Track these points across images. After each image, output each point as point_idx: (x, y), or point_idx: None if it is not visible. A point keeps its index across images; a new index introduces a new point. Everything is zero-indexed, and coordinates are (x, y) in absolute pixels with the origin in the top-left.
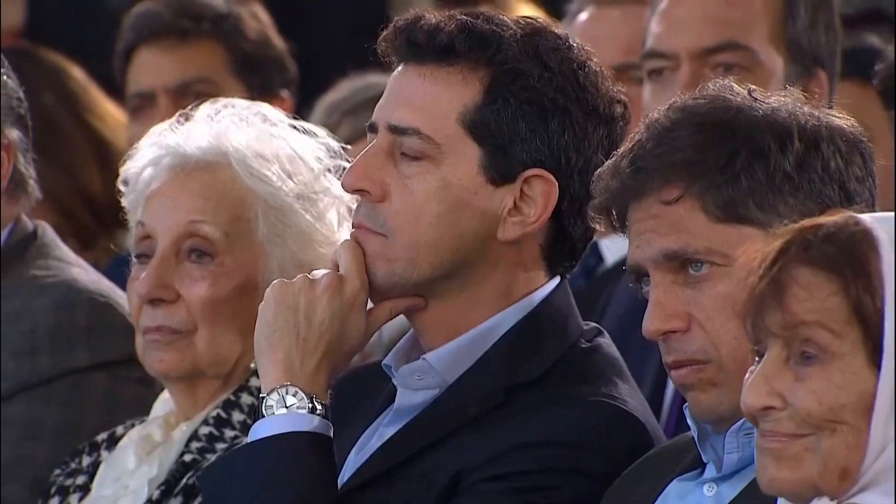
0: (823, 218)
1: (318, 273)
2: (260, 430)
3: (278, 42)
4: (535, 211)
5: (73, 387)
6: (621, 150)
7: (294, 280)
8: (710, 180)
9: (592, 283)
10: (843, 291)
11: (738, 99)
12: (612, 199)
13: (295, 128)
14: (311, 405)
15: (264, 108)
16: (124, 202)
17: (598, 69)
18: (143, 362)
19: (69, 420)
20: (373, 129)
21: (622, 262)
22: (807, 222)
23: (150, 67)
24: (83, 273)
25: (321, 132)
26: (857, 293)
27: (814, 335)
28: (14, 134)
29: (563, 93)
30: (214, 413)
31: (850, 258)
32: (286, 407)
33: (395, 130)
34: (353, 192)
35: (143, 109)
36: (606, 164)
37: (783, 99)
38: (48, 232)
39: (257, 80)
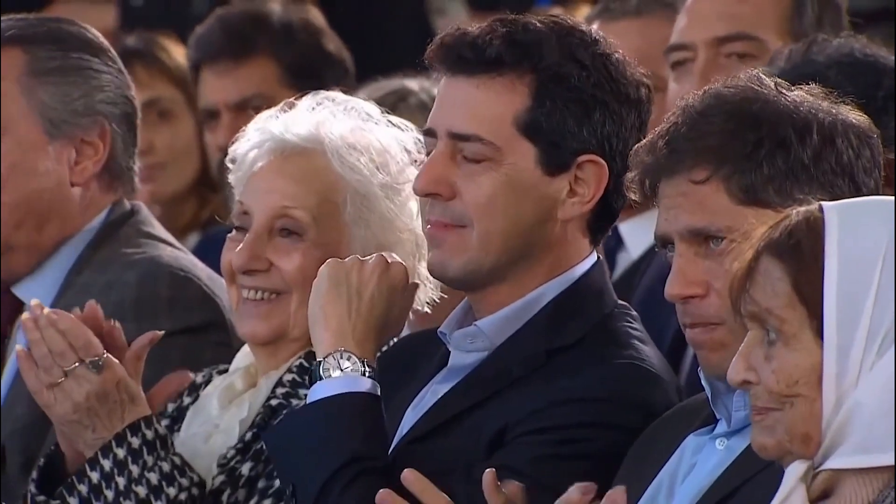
0: (795, 208)
1: (368, 257)
2: (318, 392)
3: (330, 42)
4: (590, 191)
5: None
6: (658, 129)
7: (346, 260)
8: (736, 166)
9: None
10: (786, 276)
11: (766, 91)
12: (647, 174)
13: (389, 121)
14: (363, 369)
15: (360, 102)
16: (231, 179)
17: (622, 57)
18: (236, 328)
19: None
20: (431, 134)
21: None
22: (782, 214)
23: (212, 86)
24: (168, 249)
25: (410, 125)
26: (795, 275)
27: (769, 320)
28: (115, 126)
29: (599, 87)
30: (297, 363)
31: (795, 244)
32: (341, 370)
33: (457, 137)
34: (425, 195)
35: (211, 122)
36: (644, 140)
37: (805, 94)
38: (143, 211)
39: (311, 83)
